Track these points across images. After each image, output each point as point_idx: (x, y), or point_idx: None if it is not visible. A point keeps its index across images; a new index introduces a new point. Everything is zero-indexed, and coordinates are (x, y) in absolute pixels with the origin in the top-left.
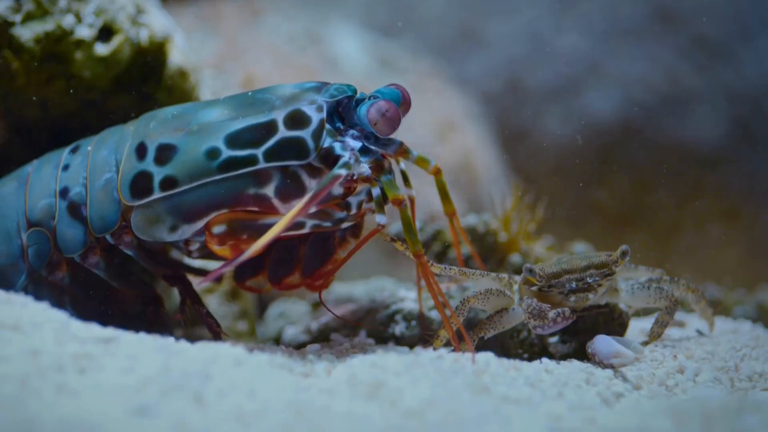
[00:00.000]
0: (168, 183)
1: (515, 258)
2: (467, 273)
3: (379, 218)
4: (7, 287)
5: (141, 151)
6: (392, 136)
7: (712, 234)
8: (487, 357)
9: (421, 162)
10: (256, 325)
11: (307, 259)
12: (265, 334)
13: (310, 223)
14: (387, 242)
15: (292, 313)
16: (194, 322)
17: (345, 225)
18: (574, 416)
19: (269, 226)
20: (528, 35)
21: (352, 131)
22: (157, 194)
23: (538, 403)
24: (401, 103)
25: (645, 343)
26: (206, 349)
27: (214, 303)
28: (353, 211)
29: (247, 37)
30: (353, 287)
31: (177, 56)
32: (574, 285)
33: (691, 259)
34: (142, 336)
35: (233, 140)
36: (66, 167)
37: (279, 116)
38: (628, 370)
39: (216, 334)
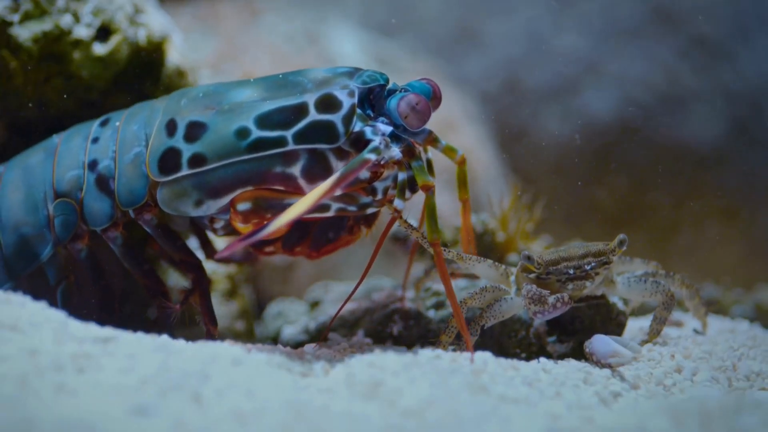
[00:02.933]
0: (196, 160)
1: (513, 257)
2: (464, 258)
3: (397, 203)
4: (33, 257)
5: (171, 127)
6: None
7: (710, 233)
8: (484, 356)
9: (449, 151)
10: (255, 324)
11: (316, 235)
12: (264, 333)
13: (335, 206)
14: (393, 232)
15: (290, 312)
16: (193, 322)
17: (369, 210)
18: (572, 416)
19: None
20: (526, 35)
21: (382, 119)
22: (185, 171)
23: (536, 403)
24: (432, 98)
25: (645, 342)
26: (205, 348)
27: (213, 302)
28: (379, 196)
29: (245, 36)
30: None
31: (175, 56)
32: (572, 272)
33: (689, 258)
34: (141, 335)
35: (263, 121)
36: (95, 140)
37: (310, 99)
38: (626, 370)
39: (209, 333)
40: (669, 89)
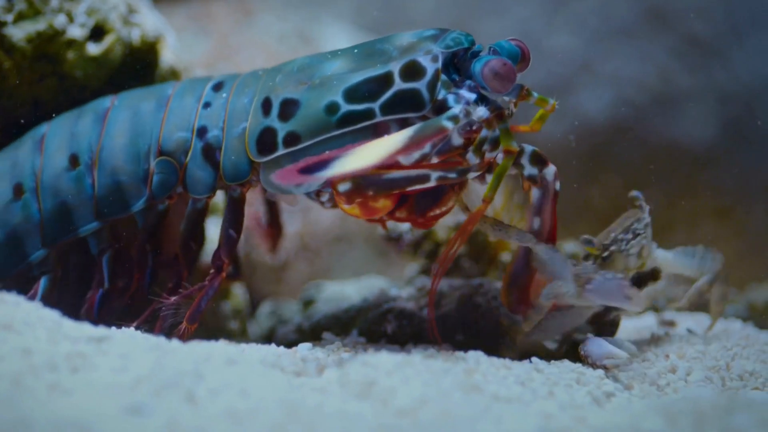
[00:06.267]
0: (291, 139)
1: (506, 257)
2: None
3: (470, 157)
4: (124, 206)
5: (266, 106)
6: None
7: (703, 233)
8: (477, 356)
9: (541, 101)
10: (248, 323)
11: (418, 200)
12: (257, 332)
13: (434, 175)
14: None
15: (283, 312)
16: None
17: (472, 175)
18: (564, 415)
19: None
20: (520, 34)
21: (468, 82)
22: (281, 150)
23: (528, 402)
24: (520, 60)
25: (710, 327)
26: (198, 348)
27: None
28: (477, 161)
29: (238, 36)
30: (345, 286)
31: (168, 56)
32: (629, 235)
33: None
34: (135, 334)
35: (351, 94)
36: (207, 104)
37: (395, 68)
38: (620, 370)
39: (182, 330)
40: (662, 89)
